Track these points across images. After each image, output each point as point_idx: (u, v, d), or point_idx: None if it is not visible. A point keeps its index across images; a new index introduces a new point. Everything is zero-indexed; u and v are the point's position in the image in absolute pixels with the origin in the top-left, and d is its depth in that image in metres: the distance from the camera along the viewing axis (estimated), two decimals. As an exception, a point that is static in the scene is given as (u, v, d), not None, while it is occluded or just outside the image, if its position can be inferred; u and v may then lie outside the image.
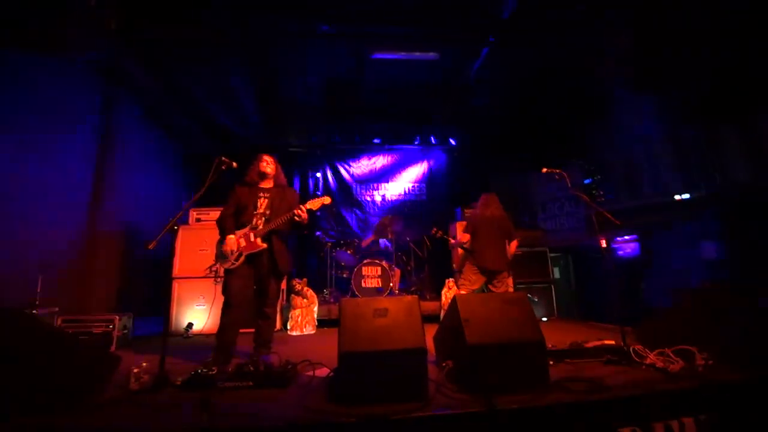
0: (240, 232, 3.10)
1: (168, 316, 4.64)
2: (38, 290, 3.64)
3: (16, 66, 3.80)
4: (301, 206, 3.12)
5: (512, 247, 4.32)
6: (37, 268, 3.69)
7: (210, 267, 3.85)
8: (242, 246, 3.06)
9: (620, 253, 5.88)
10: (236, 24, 4.60)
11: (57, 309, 3.77)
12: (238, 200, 3.20)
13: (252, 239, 3.08)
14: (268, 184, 3.32)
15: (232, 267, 3.04)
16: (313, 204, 3.19)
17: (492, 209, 4.28)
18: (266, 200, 3.22)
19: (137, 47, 4.67)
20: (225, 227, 3.12)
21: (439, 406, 1.91)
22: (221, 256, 3.08)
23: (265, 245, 3.09)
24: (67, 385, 1.98)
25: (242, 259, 3.05)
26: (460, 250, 4.67)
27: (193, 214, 5.27)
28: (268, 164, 3.29)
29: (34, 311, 3.43)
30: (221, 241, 3.11)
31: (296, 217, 3.10)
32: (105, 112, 4.96)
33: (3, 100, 3.66)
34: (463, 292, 4.13)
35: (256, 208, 3.19)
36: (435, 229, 4.73)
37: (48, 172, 4.11)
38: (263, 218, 3.16)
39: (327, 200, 3.27)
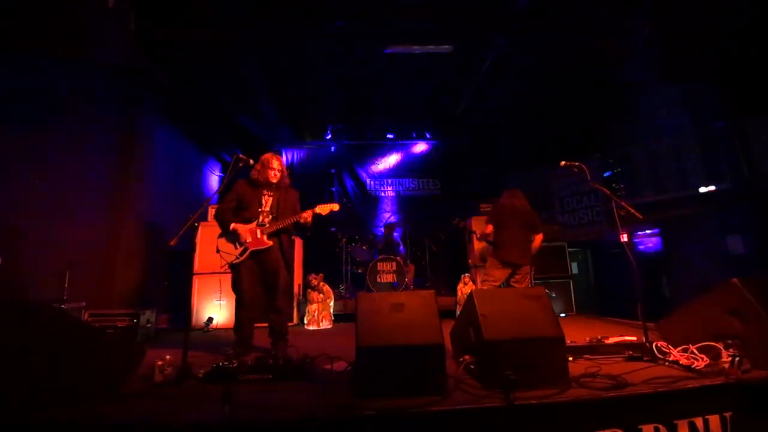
0: (246, 227, 3.10)
1: (189, 311, 4.76)
2: (66, 286, 3.77)
3: (39, 68, 3.91)
4: (308, 210, 3.15)
5: (537, 240, 4.19)
6: (65, 265, 3.83)
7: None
8: (248, 242, 3.07)
9: (641, 247, 5.75)
10: (249, 24, 4.65)
11: (84, 304, 3.90)
12: (240, 196, 3.20)
13: (259, 236, 3.10)
14: (272, 184, 3.30)
15: (236, 262, 3.07)
16: (322, 209, 3.22)
17: (517, 201, 4.20)
18: (271, 199, 3.23)
19: (155, 48, 4.76)
20: (226, 220, 3.12)
21: (457, 400, 1.91)
22: (225, 250, 3.09)
23: (271, 242, 3.11)
24: (93, 377, 2.05)
25: (247, 254, 3.07)
26: (478, 244, 4.60)
27: (212, 211, 5.37)
28: (275, 174, 3.25)
29: (62, 306, 3.56)
30: (224, 235, 3.12)
31: (302, 221, 3.13)
32: (126, 112, 5.09)
33: (26, 102, 3.78)
34: (486, 288, 4.09)
35: (261, 205, 3.19)
36: (457, 219, 4.66)
37: (72, 171, 4.24)
38: (270, 216, 3.18)
39: (335, 207, 3.29)
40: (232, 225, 3.07)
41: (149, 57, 4.82)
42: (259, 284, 3.18)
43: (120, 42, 4.28)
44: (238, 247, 3.08)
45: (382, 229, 6.97)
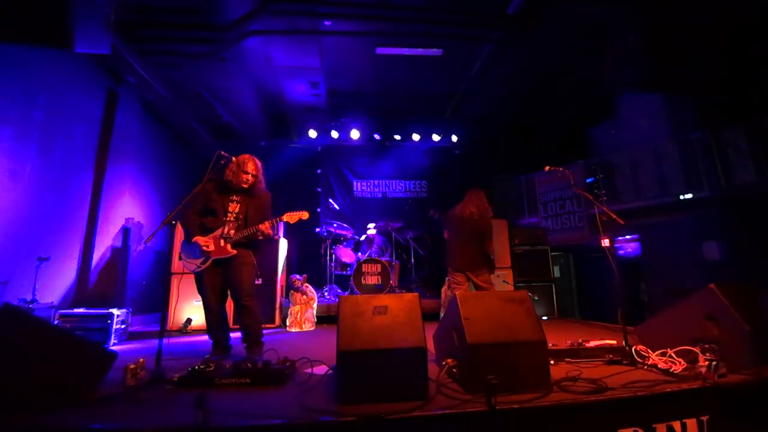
0: (209, 237, 2.99)
1: (166, 312, 4.60)
2: (35, 284, 3.61)
3: (20, 59, 3.76)
4: (265, 223, 3.02)
5: (486, 247, 4.04)
6: (35, 262, 3.67)
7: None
8: (211, 250, 2.97)
9: (621, 252, 5.86)
10: (235, 25, 4.58)
11: (54, 303, 3.74)
12: (207, 201, 3.05)
13: (222, 245, 2.99)
14: (243, 189, 3.13)
15: (199, 270, 2.98)
16: (291, 217, 3.13)
17: (470, 208, 4.05)
18: (238, 206, 3.10)
19: (138, 42, 4.63)
20: (191, 228, 3.00)
21: (439, 405, 1.88)
22: (188, 257, 3.01)
23: (235, 252, 3.00)
24: (62, 382, 1.96)
25: (209, 263, 2.98)
26: None
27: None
28: (248, 179, 3.08)
29: (30, 305, 3.41)
30: (188, 242, 3.00)
31: (259, 235, 3.02)
32: (107, 106, 4.93)
33: (5, 92, 3.63)
34: (456, 293, 4.07)
35: (227, 214, 3.06)
36: (432, 211, 4.64)
37: (48, 164, 4.08)
38: (235, 225, 3.06)
39: (305, 215, 3.18)
40: (194, 238, 2.96)
41: (132, 50, 4.67)
42: (224, 287, 3.07)
43: (104, 34, 4.13)
44: (200, 255, 2.97)
45: (368, 230, 6.92)
